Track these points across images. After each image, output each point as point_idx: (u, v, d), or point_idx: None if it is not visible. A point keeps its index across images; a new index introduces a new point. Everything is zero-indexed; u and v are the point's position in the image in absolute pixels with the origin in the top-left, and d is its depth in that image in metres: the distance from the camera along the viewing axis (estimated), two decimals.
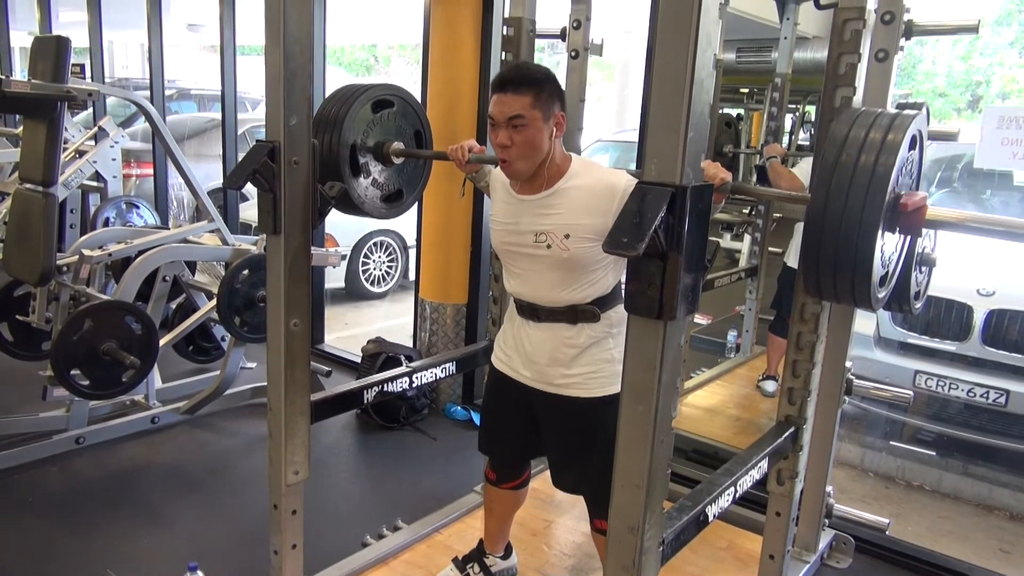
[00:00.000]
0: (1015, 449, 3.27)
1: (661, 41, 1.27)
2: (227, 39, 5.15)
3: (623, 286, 1.94)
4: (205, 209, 3.67)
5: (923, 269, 2.30)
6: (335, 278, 5.97)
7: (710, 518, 1.72)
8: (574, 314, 1.90)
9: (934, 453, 3.40)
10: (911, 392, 2.29)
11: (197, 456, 3.35)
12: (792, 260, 3.85)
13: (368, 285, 6.33)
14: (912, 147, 1.53)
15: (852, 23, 1.93)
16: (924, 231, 1.65)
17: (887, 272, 1.62)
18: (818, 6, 4.21)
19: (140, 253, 3.37)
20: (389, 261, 6.46)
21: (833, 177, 1.47)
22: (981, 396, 3.20)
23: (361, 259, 6.23)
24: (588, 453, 1.97)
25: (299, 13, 1.80)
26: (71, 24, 7.44)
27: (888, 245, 1.56)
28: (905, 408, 3.47)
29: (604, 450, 1.97)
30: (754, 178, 4.47)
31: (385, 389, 2.33)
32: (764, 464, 1.97)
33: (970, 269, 3.42)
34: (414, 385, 2.43)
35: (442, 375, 2.53)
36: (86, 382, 3.01)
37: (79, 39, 7.34)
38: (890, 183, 1.43)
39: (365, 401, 2.28)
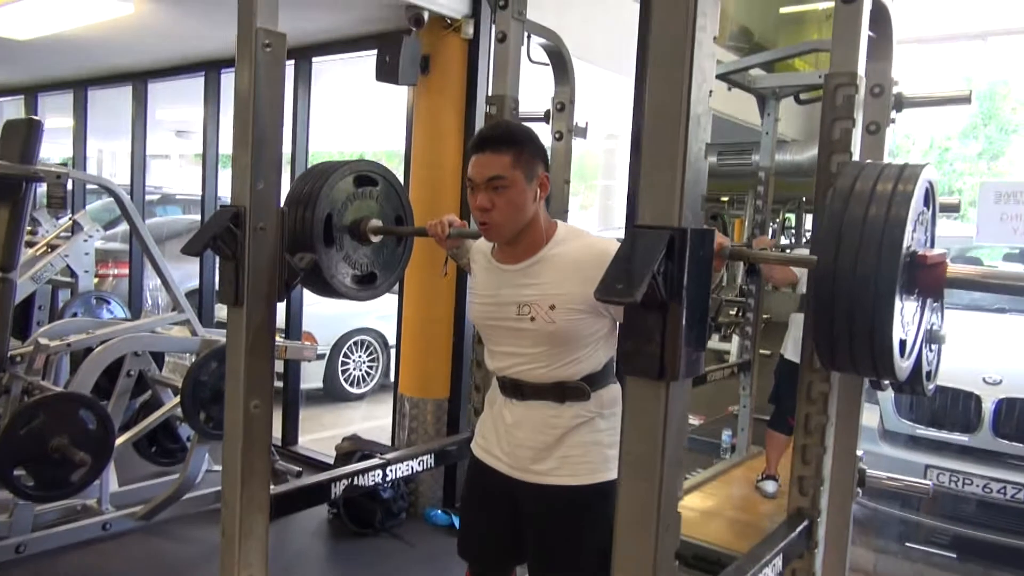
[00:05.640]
0: None
1: (653, 76, 1.18)
2: (210, 139, 5.17)
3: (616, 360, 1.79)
4: (176, 300, 3.51)
5: (933, 347, 2.16)
6: (313, 378, 5.75)
7: None
8: (561, 392, 1.73)
9: (955, 555, 3.16)
10: (930, 483, 2.09)
11: (151, 567, 3.06)
12: (790, 352, 3.73)
13: (347, 386, 6.11)
14: (925, 202, 1.43)
15: (844, 88, 1.87)
16: (944, 292, 1.52)
17: (908, 339, 1.48)
18: (799, 101, 4.31)
19: (103, 344, 3.19)
20: (370, 361, 6.27)
21: (841, 234, 1.35)
22: (998, 492, 3.00)
23: (341, 359, 6.04)
24: (576, 552, 1.75)
25: (269, 74, 1.72)
26: (57, 130, 7.50)
27: (907, 309, 1.42)
28: (917, 507, 3.25)
29: (596, 549, 1.75)
30: (742, 271, 4.41)
31: (355, 483, 2.11)
32: (778, 562, 1.76)
33: (973, 356, 3.30)
34: (388, 479, 2.21)
35: (419, 468, 2.32)
36: (31, 483, 2.77)
37: (66, 148, 7.39)
38: (905, 237, 1.31)
39: (333, 495, 2.05)
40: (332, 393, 6.03)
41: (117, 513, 3.30)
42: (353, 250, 2.21)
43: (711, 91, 1.19)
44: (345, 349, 6.06)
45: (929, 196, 1.45)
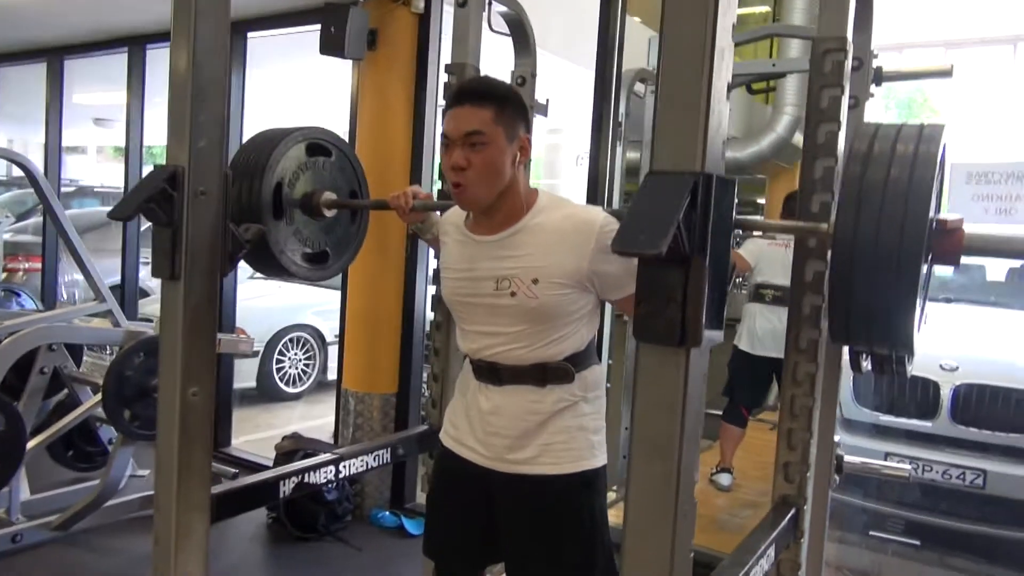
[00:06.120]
0: (999, 536, 3.04)
1: (671, 6, 1.04)
2: (133, 126, 4.80)
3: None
4: (96, 288, 3.21)
5: None
6: (246, 377, 5.44)
7: None
8: (543, 373, 1.58)
9: (918, 542, 3.14)
10: (909, 466, 2.03)
11: None
12: (744, 343, 3.68)
13: (283, 385, 5.81)
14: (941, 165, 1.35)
15: (833, 54, 1.78)
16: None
17: (919, 312, 1.39)
18: (751, 91, 4.29)
19: (12, 336, 2.87)
20: (306, 358, 5.98)
21: (861, 199, 1.26)
22: (957, 478, 3.00)
23: (275, 357, 5.74)
24: (558, 547, 1.60)
25: (214, 11, 1.52)
26: None
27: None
28: (876, 496, 3.23)
29: (581, 545, 1.61)
30: None
31: (306, 480, 1.92)
32: (771, 552, 1.65)
33: (928, 343, 3.30)
34: (341, 476, 2.02)
35: (375, 464, 2.13)
36: None
37: None
38: (932, 203, 1.22)
39: (281, 494, 1.85)
40: (266, 393, 5.73)
41: (29, 523, 2.98)
42: (304, 225, 2.02)
43: (735, 23, 1.07)
44: (280, 346, 5.77)
45: (943, 159, 1.36)
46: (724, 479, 3.79)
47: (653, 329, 1.02)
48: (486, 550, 1.76)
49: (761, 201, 9.18)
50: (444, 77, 2.35)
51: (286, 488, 1.86)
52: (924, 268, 1.35)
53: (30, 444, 2.97)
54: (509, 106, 1.52)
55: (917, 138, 1.27)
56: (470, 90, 1.53)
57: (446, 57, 2.30)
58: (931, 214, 1.25)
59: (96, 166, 15.32)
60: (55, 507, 3.16)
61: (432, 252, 2.63)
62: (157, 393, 2.71)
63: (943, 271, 4.65)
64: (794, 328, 1.81)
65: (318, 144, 2.02)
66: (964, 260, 4.07)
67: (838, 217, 1.30)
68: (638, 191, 1.01)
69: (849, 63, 1.81)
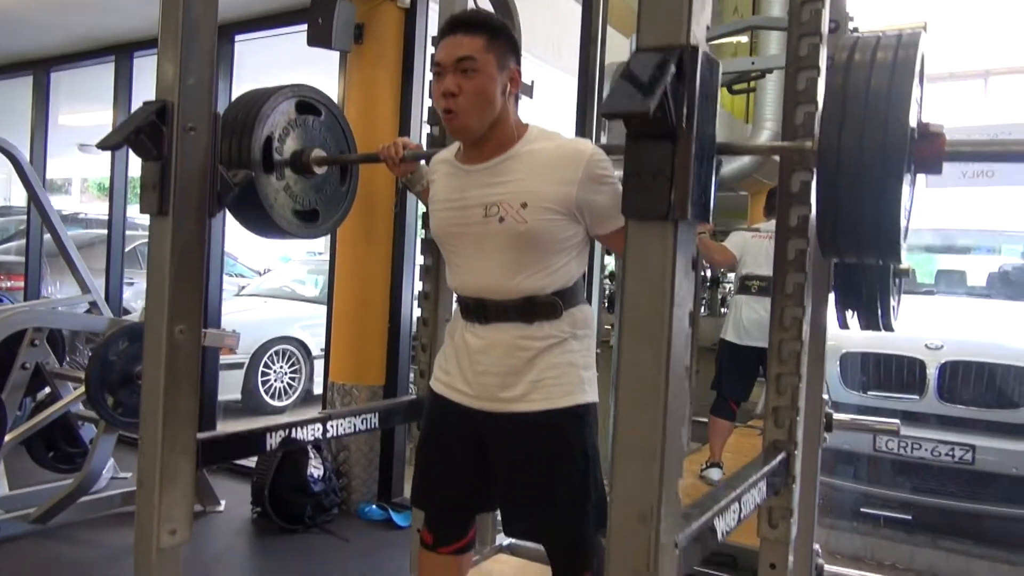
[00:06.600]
0: (990, 514, 3.04)
1: None
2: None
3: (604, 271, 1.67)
4: (80, 280, 3.19)
5: (897, 281, 2.14)
6: (231, 390, 5.37)
7: (719, 534, 1.36)
8: (531, 308, 1.58)
9: (910, 517, 3.12)
10: (897, 421, 2.02)
11: (45, 572, 2.68)
12: (731, 335, 3.70)
13: (268, 398, 5.74)
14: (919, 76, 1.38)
15: (810, 4, 1.84)
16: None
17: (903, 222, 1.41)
18: (731, 91, 4.37)
19: None
20: (292, 372, 5.92)
21: (844, 107, 1.28)
22: (947, 454, 3.00)
23: (261, 369, 5.68)
24: (551, 484, 1.58)
25: None
26: None
27: (906, 186, 1.36)
28: (867, 478, 3.22)
29: (574, 481, 1.59)
30: None
31: (293, 435, 1.89)
32: (763, 487, 1.64)
33: (914, 326, 3.33)
34: (328, 434, 2.00)
35: (363, 427, 2.11)
36: None
37: None
38: (912, 103, 1.25)
39: (268, 447, 1.83)
40: (251, 406, 5.65)
41: (7, 515, 2.91)
42: (294, 182, 2.04)
43: None
44: (265, 359, 5.71)
45: (922, 67, 1.40)
46: (714, 474, 3.77)
47: (640, 203, 1.04)
48: (478, 497, 1.74)
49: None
50: (431, 68, 2.38)
51: (272, 441, 1.84)
52: (908, 175, 1.37)
53: (8, 436, 2.91)
54: (500, 36, 1.55)
55: (896, 46, 1.30)
56: (462, 20, 1.57)
57: (432, 52, 2.35)
58: (912, 120, 1.28)
59: (80, 206, 15.22)
60: (34, 503, 3.09)
61: (419, 244, 2.63)
62: (141, 380, 2.69)
63: (925, 278, 4.71)
64: (782, 272, 1.83)
65: (307, 102, 2.04)
66: (944, 266, 4.10)
67: (822, 130, 1.33)
68: (624, 66, 1.02)
69: (827, 13, 1.87)
